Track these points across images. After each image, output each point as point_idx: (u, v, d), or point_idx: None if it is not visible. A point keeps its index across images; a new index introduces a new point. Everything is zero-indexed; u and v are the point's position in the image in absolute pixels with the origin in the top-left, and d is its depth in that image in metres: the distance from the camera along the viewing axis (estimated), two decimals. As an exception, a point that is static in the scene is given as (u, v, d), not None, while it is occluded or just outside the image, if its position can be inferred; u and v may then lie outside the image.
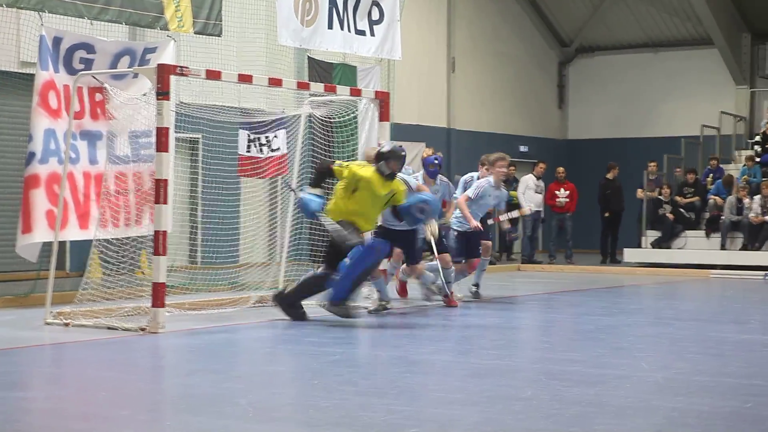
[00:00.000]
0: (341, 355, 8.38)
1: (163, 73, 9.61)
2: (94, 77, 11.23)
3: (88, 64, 11.65)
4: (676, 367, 7.67)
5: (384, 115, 11.68)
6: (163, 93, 9.55)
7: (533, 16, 24.83)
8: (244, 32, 15.04)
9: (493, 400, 6.29)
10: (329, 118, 12.62)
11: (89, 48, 11.71)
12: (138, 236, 11.18)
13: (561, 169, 20.90)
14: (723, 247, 19.23)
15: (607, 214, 20.61)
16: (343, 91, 12.07)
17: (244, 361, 8.45)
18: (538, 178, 20.26)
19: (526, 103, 24.55)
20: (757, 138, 20.99)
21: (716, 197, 19.71)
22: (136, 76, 11.31)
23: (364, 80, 17.08)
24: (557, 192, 20.40)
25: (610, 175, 20.84)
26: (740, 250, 19.00)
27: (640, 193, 20.58)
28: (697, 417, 5.84)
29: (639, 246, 20.26)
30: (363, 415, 6.06)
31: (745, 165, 20.58)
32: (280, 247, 12.64)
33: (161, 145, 9.52)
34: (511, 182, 20.57)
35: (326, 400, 6.28)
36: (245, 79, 10.94)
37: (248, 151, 12.88)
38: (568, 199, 20.50)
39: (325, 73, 16.54)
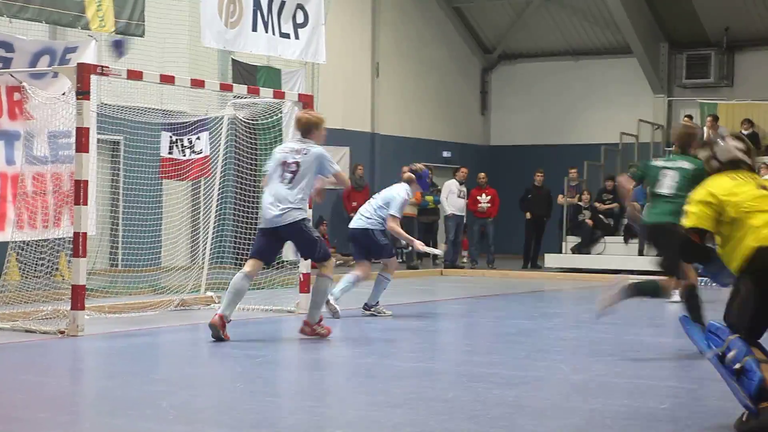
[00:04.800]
0: (264, 357, 8.35)
1: (83, 72, 9.48)
2: (12, 76, 11.04)
3: (6, 62, 11.45)
4: (594, 370, 7.79)
5: (308, 119, 11.64)
6: (83, 93, 9.42)
7: (457, 23, 25.02)
8: (168, 33, 14.92)
9: (415, 402, 6.33)
10: (253, 121, 12.58)
11: (8, 46, 11.52)
12: (56, 238, 11.00)
13: (482, 174, 21.10)
14: (641, 253, 19.56)
15: (528, 216, 20.82)
16: (266, 94, 12.03)
17: (166, 364, 8.38)
18: (460, 183, 20.43)
19: (449, 109, 24.73)
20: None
21: (634, 203, 20.01)
22: (56, 75, 11.14)
23: (288, 83, 17.06)
24: (479, 197, 20.58)
25: (537, 181, 21.05)
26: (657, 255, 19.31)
27: (560, 199, 20.85)
28: (614, 417, 5.95)
29: (560, 251, 20.52)
30: (285, 418, 6.07)
31: (662, 172, 20.94)
32: (202, 250, 12.56)
33: (81, 146, 9.39)
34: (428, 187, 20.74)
35: (248, 402, 6.27)
36: (167, 80, 10.85)
37: (170, 153, 12.78)
38: (489, 205, 20.69)
39: (249, 75, 16.48)
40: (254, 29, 14.48)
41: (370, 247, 11.33)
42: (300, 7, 15.38)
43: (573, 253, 20.17)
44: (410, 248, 12.40)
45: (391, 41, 22.82)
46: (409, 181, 11.58)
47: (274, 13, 14.87)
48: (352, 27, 21.72)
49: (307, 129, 9.34)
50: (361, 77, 22.12)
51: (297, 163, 9.02)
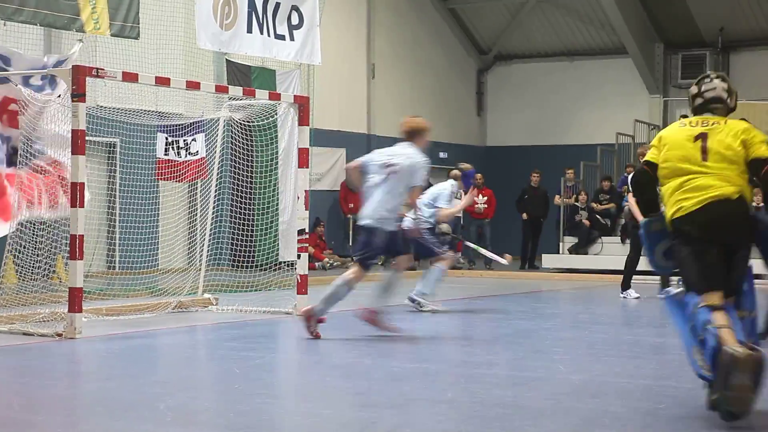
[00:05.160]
0: (261, 359, 8.35)
1: (79, 74, 9.47)
2: (13, 83, 10.95)
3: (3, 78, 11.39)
4: (593, 370, 7.79)
5: (303, 120, 11.67)
6: (78, 95, 9.41)
7: (452, 24, 25.02)
8: (163, 35, 14.91)
9: (413, 403, 6.33)
10: (248, 122, 12.58)
11: (5, 60, 11.47)
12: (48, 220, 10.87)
13: (479, 175, 21.08)
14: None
15: (525, 216, 20.83)
16: (261, 95, 12.04)
17: (163, 366, 8.37)
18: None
19: (445, 110, 24.72)
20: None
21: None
22: (52, 88, 11.01)
23: (283, 84, 17.06)
24: (475, 198, 20.56)
25: (533, 182, 21.08)
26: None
27: (557, 199, 20.86)
28: (613, 418, 5.95)
29: (557, 252, 20.53)
30: (283, 419, 6.07)
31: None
32: (199, 252, 12.56)
33: (77, 148, 9.38)
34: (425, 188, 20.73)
35: (246, 404, 6.26)
36: (163, 81, 10.83)
37: (166, 155, 12.77)
38: (486, 205, 20.70)
39: (243, 76, 16.47)
40: (249, 31, 14.48)
41: (421, 245, 11.63)
42: (295, 8, 15.38)
43: (570, 253, 20.17)
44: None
45: (386, 42, 22.82)
46: (455, 178, 12.43)
47: (269, 15, 14.87)
48: (347, 28, 21.71)
49: (409, 134, 9.60)
50: (357, 78, 22.12)
51: (395, 165, 9.33)
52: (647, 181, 6.21)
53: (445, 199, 12.09)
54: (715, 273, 5.86)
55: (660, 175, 6.11)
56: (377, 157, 9.49)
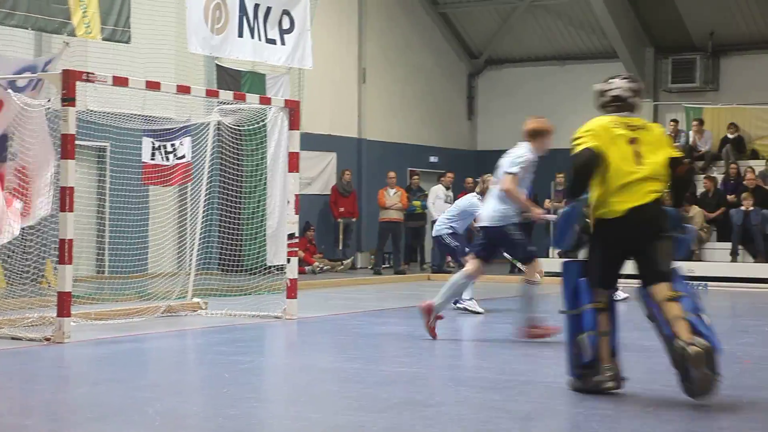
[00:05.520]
0: (251, 363, 8.35)
1: (69, 78, 9.47)
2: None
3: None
4: (581, 373, 7.78)
5: (294, 124, 11.68)
6: (68, 99, 9.41)
7: (443, 29, 25.06)
8: (154, 39, 14.90)
9: (402, 407, 6.34)
10: (238, 126, 12.58)
11: None
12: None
13: (470, 179, 21.11)
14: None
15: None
16: (252, 100, 12.03)
17: (152, 371, 8.36)
18: (447, 188, 20.46)
19: (436, 114, 24.75)
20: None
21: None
22: (34, 88, 10.99)
23: (273, 88, 17.06)
24: (467, 202, 20.57)
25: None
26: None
27: (547, 203, 20.88)
28: (601, 421, 5.96)
29: (547, 256, 20.53)
30: (272, 423, 6.07)
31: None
32: (189, 256, 12.55)
33: (66, 153, 9.37)
34: (415, 192, 20.76)
35: (235, 408, 6.26)
36: (153, 86, 10.83)
37: (153, 159, 12.75)
38: (477, 210, 20.70)
39: (233, 80, 16.47)
40: (240, 35, 14.48)
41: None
42: (286, 13, 15.38)
43: (560, 257, 20.17)
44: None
45: (377, 47, 22.84)
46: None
47: (260, 19, 14.87)
48: (338, 33, 21.73)
49: (529, 135, 9.69)
50: (348, 83, 22.13)
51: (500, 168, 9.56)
52: (597, 165, 6.49)
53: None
54: (614, 276, 6.66)
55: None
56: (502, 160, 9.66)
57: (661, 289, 6.40)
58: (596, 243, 6.73)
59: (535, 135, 9.66)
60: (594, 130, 6.56)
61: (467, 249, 12.34)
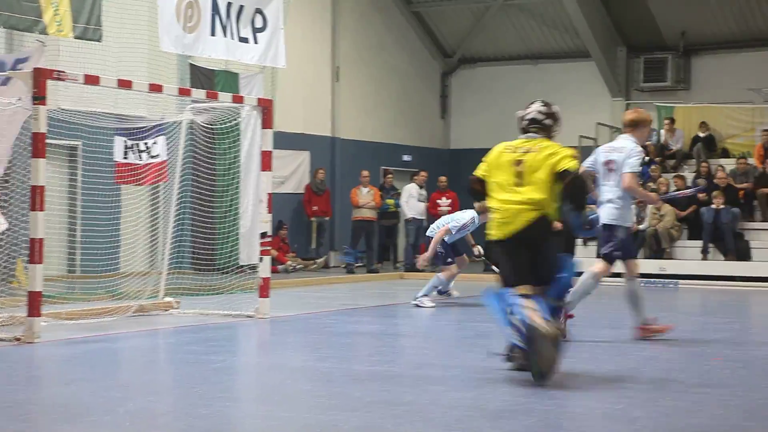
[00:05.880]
0: (222, 363, 8.34)
1: (40, 77, 9.43)
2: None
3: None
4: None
5: (267, 123, 11.68)
6: (39, 98, 9.36)
7: (417, 28, 25.08)
8: (126, 38, 14.84)
9: (373, 405, 6.35)
10: (211, 125, 12.55)
11: None
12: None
13: (443, 178, 21.18)
14: (599, 255, 19.67)
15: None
16: (225, 98, 12.01)
17: (123, 370, 8.34)
18: (420, 187, 20.50)
19: (409, 113, 24.77)
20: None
21: (592, 206, 20.16)
22: (5, 83, 10.94)
23: (246, 87, 17.02)
24: (439, 201, 20.64)
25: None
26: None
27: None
28: (571, 418, 6.01)
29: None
30: (243, 422, 6.07)
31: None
32: (161, 255, 12.51)
33: (37, 151, 9.33)
34: (388, 190, 20.77)
35: (206, 408, 6.26)
36: (125, 84, 10.80)
37: (125, 158, 12.70)
38: (450, 208, 20.75)
39: (207, 79, 16.43)
40: (213, 34, 14.43)
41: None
42: (259, 11, 15.35)
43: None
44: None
45: (351, 45, 22.84)
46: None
47: (232, 18, 14.83)
48: (312, 32, 21.72)
49: (630, 125, 9.67)
50: (322, 81, 22.12)
51: (613, 161, 9.50)
52: (479, 191, 7.60)
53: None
54: (522, 270, 7.26)
55: (488, 188, 7.49)
56: (601, 156, 9.63)
57: (524, 288, 7.22)
58: (497, 250, 7.56)
59: (635, 125, 9.71)
60: (487, 158, 7.60)
61: (449, 259, 13.13)
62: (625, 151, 9.52)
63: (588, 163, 9.80)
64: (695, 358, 8.90)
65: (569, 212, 7.81)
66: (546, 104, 7.62)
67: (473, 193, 7.71)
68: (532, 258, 7.30)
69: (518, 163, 7.37)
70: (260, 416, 6.19)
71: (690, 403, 6.55)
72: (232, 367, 8.33)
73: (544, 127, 7.52)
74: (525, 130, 7.56)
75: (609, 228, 9.61)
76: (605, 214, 9.60)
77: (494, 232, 7.43)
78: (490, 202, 7.50)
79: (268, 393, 7.09)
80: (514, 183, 7.35)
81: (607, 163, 9.57)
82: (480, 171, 7.61)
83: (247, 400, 6.90)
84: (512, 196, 7.32)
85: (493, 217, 7.46)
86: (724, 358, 8.82)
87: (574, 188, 7.37)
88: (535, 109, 7.59)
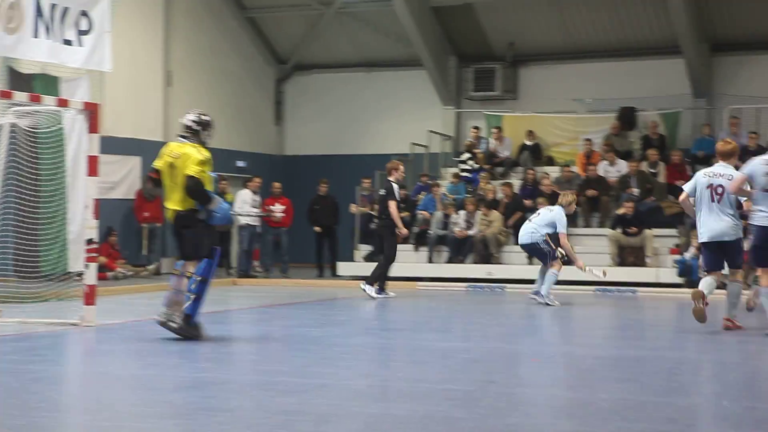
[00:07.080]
0: (43, 372, 8.12)
1: None
2: None
3: None
4: (377, 375, 7.96)
5: (93, 127, 11.42)
6: None
7: (251, 33, 25.00)
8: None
9: (196, 413, 6.31)
10: (34, 129, 12.20)
11: None
12: None
13: (277, 184, 21.17)
14: (430, 260, 20.07)
15: (317, 229, 21.02)
16: (49, 102, 11.70)
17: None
18: (254, 193, 20.44)
19: (243, 119, 24.66)
20: (466, 155, 22.17)
21: (424, 212, 20.55)
22: None
23: (68, 91, 16.56)
24: (272, 207, 20.63)
25: (321, 191, 21.33)
26: (446, 263, 19.90)
27: (353, 208, 21.15)
28: (392, 422, 6.10)
29: (352, 260, 20.79)
30: (60, 432, 5.93)
31: (451, 182, 21.62)
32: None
33: None
34: (222, 197, 20.60)
35: (22, 418, 6.08)
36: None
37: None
38: (284, 214, 20.78)
39: (25, 84, 15.92)
40: (35, 35, 14.04)
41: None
42: (84, 14, 15.01)
43: (365, 261, 20.46)
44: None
45: (184, 50, 22.58)
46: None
47: (56, 20, 14.45)
48: (143, 35, 21.36)
49: (728, 155, 11.00)
50: (153, 86, 21.79)
51: (722, 186, 10.78)
52: (155, 179, 9.96)
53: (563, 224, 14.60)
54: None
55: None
56: (702, 179, 10.88)
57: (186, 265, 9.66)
58: None
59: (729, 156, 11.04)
60: (160, 153, 9.68)
61: (556, 254, 14.53)
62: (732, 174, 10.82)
63: (688, 186, 11.15)
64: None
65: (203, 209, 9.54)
66: (199, 113, 9.68)
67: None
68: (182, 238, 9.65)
69: (172, 166, 9.56)
70: (78, 426, 6.06)
71: (510, 405, 6.71)
72: (53, 376, 8.11)
73: (195, 132, 9.55)
74: (181, 134, 9.64)
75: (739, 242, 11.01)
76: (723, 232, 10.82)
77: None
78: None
79: (88, 402, 6.94)
80: (170, 180, 9.68)
81: (715, 187, 10.79)
82: (156, 162, 9.74)
83: (65, 411, 6.74)
84: (168, 185, 9.79)
85: None
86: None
87: (189, 190, 9.40)
88: (190, 118, 9.59)
